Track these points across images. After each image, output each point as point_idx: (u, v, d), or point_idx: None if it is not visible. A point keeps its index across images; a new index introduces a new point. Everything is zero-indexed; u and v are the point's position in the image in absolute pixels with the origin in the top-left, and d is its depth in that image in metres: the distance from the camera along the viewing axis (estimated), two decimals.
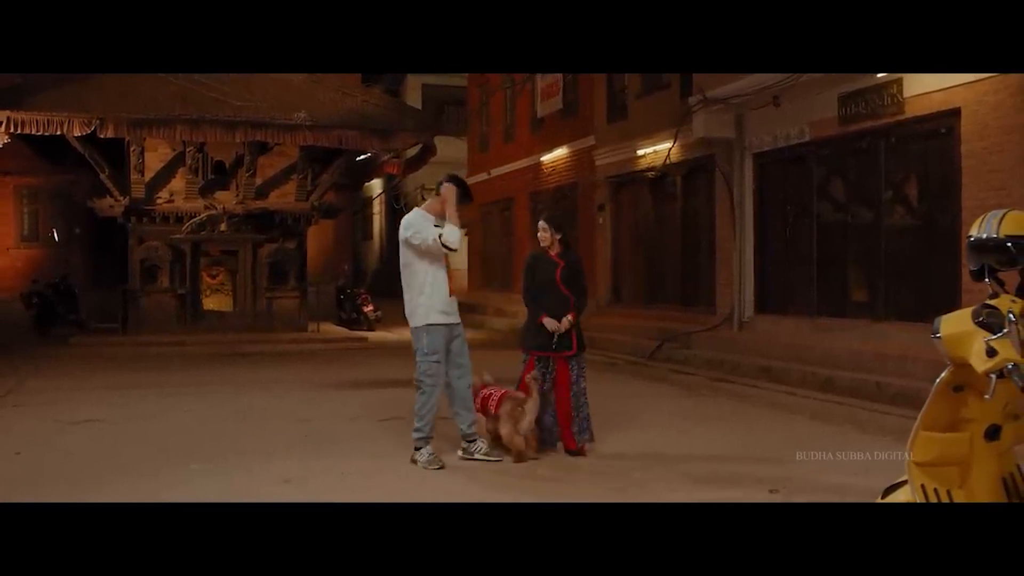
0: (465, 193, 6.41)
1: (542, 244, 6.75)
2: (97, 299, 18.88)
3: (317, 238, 23.20)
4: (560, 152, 19.15)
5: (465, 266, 25.16)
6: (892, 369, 9.43)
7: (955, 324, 3.09)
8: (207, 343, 15.49)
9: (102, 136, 14.72)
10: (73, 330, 17.19)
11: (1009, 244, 3.18)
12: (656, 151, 14.96)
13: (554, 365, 6.67)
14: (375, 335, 17.99)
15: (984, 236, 3.24)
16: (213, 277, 17.33)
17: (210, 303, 17.32)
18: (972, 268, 3.30)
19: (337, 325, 19.75)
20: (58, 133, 14.54)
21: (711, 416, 8.72)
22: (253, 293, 17.10)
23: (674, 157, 14.38)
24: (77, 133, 14.65)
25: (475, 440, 6.45)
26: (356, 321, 19.70)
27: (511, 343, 17.24)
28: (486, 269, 23.88)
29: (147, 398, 9.76)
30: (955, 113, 9.40)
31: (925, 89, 9.70)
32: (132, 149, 16.29)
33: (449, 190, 6.26)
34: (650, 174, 15.48)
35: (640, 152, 15.61)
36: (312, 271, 21.40)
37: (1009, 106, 8.77)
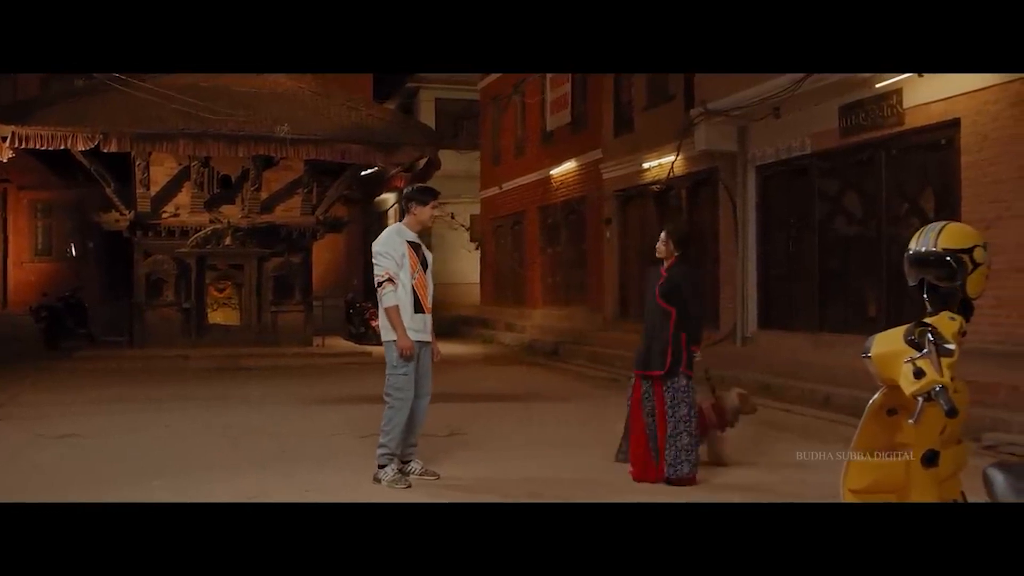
0: (427, 194, 6.46)
1: (658, 255, 6.43)
2: (108, 313, 18.99)
3: (328, 252, 23.20)
4: (569, 166, 19.04)
5: (476, 280, 25.09)
6: None
7: (887, 343, 2.91)
8: (211, 357, 15.43)
9: (105, 150, 14.77)
10: (81, 344, 17.25)
11: (948, 258, 3.00)
12: (661, 164, 14.80)
13: (652, 387, 6.26)
14: (380, 350, 17.87)
15: (923, 249, 3.07)
16: (220, 291, 17.31)
17: (217, 317, 17.29)
18: (911, 283, 3.12)
19: (346, 339, 19.68)
20: (62, 148, 14.61)
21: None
22: (258, 307, 17.06)
23: (678, 170, 14.20)
24: (81, 147, 14.71)
25: (410, 462, 6.39)
26: (365, 335, 19.63)
27: (520, 358, 17.20)
28: (497, 283, 23.75)
29: (134, 412, 9.71)
30: (955, 124, 9.19)
31: (925, 99, 9.49)
32: (137, 164, 16.34)
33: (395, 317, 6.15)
34: (655, 187, 15.31)
35: (646, 165, 15.45)
36: (322, 285, 21.40)
37: (1008, 116, 8.54)
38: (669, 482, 6.14)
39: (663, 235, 6.39)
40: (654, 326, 6.23)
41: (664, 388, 6.16)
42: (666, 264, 6.35)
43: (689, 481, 6.14)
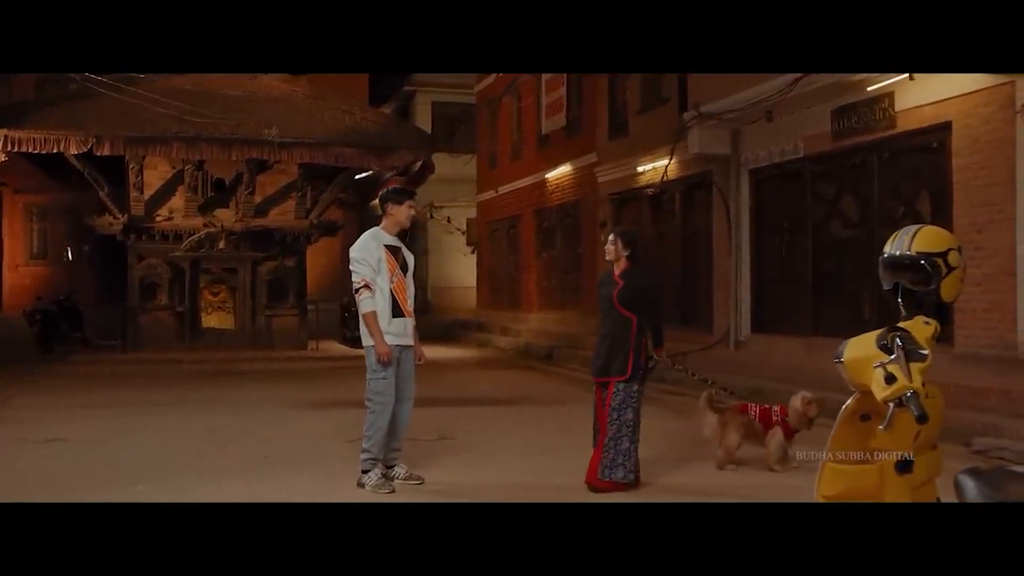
0: (402, 193, 6.55)
1: (607, 257, 6.28)
2: (103, 316, 18.96)
3: (323, 255, 23.17)
4: (564, 169, 19.00)
5: (473, 284, 25.04)
6: None
7: (859, 348, 2.89)
8: (204, 361, 15.43)
9: (98, 154, 14.79)
10: (75, 347, 17.23)
11: (923, 261, 2.98)
12: (656, 168, 14.76)
13: (607, 392, 6.10)
14: None
15: (897, 253, 3.05)
16: (214, 295, 17.31)
17: (212, 320, 17.30)
18: (885, 287, 3.10)
19: (341, 343, 19.62)
20: (55, 151, 14.61)
21: (682, 441, 8.46)
22: (252, 311, 17.06)
23: (672, 174, 14.17)
24: (74, 151, 14.73)
25: (394, 466, 6.36)
26: (359, 339, 19.55)
27: (515, 361, 17.16)
28: (494, 287, 23.69)
29: (123, 417, 9.68)
30: (946, 127, 9.14)
31: (916, 103, 9.45)
32: (131, 167, 16.35)
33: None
34: (649, 191, 15.28)
35: (640, 169, 15.42)
36: (317, 289, 21.37)
37: (999, 119, 8.49)
38: (596, 486, 5.97)
39: (611, 236, 6.24)
40: (614, 333, 6.05)
41: (615, 391, 6.01)
42: (617, 268, 6.16)
43: (622, 487, 5.97)
